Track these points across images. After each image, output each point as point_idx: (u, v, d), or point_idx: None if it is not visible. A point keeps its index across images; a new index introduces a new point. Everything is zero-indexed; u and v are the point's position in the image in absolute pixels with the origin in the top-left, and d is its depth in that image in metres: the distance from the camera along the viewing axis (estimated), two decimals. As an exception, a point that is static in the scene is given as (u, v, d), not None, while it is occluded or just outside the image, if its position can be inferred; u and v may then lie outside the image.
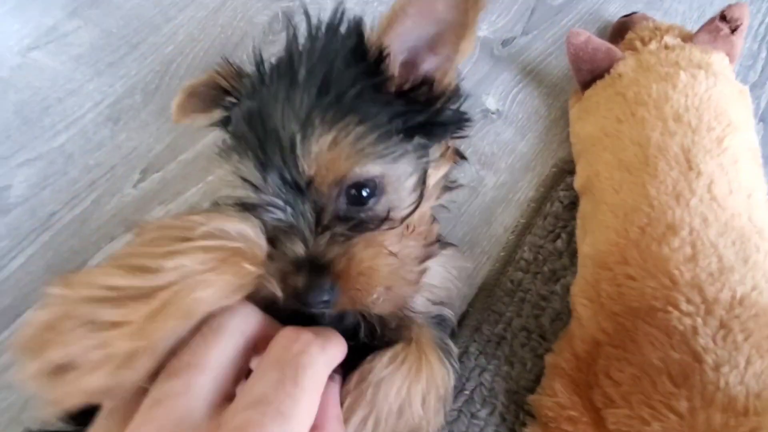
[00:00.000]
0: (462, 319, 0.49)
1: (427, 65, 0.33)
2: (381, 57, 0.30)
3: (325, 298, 0.27)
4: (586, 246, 0.43)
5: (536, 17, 0.66)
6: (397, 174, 0.30)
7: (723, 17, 0.48)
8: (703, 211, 0.37)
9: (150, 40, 0.64)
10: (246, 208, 0.29)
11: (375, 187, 0.29)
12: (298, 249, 0.28)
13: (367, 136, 0.28)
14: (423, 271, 0.33)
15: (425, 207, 0.33)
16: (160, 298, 0.22)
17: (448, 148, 0.36)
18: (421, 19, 0.30)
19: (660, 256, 0.37)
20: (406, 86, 0.32)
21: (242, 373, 0.24)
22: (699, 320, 0.33)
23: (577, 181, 0.50)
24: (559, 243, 0.51)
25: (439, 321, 0.40)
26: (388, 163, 0.30)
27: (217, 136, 0.59)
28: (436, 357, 0.36)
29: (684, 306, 0.34)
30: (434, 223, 0.38)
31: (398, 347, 0.33)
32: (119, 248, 0.25)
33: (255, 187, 0.29)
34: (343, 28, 0.31)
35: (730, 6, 0.49)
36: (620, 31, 0.58)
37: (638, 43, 0.50)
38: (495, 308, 0.49)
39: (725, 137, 0.40)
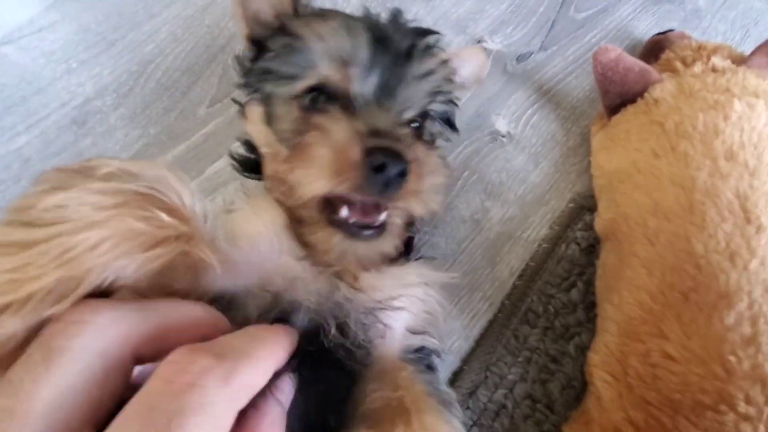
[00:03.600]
0: (454, 379, 0.41)
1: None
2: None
3: (402, 167, 0.26)
4: (609, 306, 0.36)
5: (556, 31, 0.59)
6: (431, 132, 0.36)
7: (782, 38, 0.41)
8: (767, 277, 0.29)
9: (129, 37, 0.58)
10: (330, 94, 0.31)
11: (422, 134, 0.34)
12: (384, 121, 0.29)
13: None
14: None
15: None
16: (38, 249, 0.18)
17: None
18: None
19: (710, 335, 0.29)
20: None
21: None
22: (762, 428, 0.25)
23: (600, 223, 0.42)
24: (573, 293, 0.43)
25: (423, 356, 0.32)
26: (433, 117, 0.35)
27: (191, 145, 0.53)
28: (439, 423, 0.28)
29: (742, 407, 0.26)
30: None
31: (385, 426, 0.26)
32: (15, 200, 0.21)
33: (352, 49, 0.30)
34: None
35: (789, 25, 0.41)
36: (654, 50, 0.51)
37: (679, 64, 0.43)
38: (495, 368, 0.41)
39: (790, 182, 0.32)
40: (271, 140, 0.32)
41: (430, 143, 0.36)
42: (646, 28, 0.59)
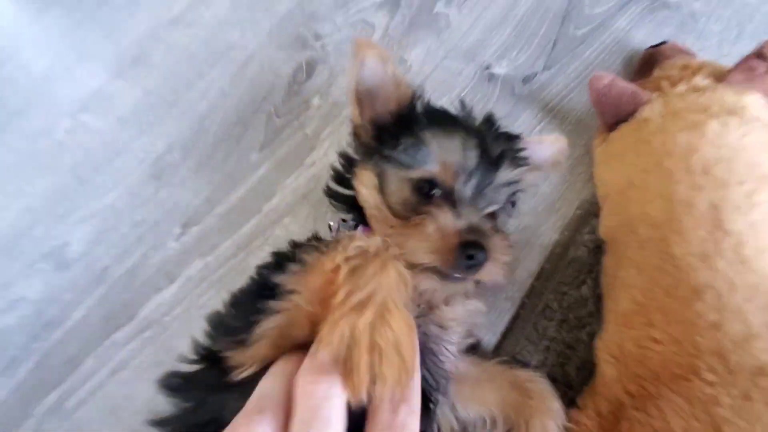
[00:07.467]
0: (487, 367, 0.50)
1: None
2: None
3: (484, 257, 0.35)
4: (609, 301, 0.43)
5: (558, 49, 0.65)
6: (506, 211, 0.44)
7: (759, 54, 0.46)
8: (730, 274, 0.36)
9: (185, 97, 0.68)
10: (431, 188, 0.39)
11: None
12: (476, 217, 0.38)
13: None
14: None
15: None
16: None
17: None
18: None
19: (684, 321, 0.36)
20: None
21: None
22: (721, 390, 0.33)
23: (602, 229, 0.49)
24: (584, 289, 0.51)
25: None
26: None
27: (248, 187, 0.64)
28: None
29: (706, 375, 0.33)
30: None
31: None
32: None
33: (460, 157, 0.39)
34: None
35: (766, 41, 0.46)
36: (648, 62, 0.57)
37: (665, 84, 0.49)
38: (520, 357, 0.50)
39: (755, 191, 0.39)
40: (381, 206, 0.40)
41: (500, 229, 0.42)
42: (644, 37, 0.64)
